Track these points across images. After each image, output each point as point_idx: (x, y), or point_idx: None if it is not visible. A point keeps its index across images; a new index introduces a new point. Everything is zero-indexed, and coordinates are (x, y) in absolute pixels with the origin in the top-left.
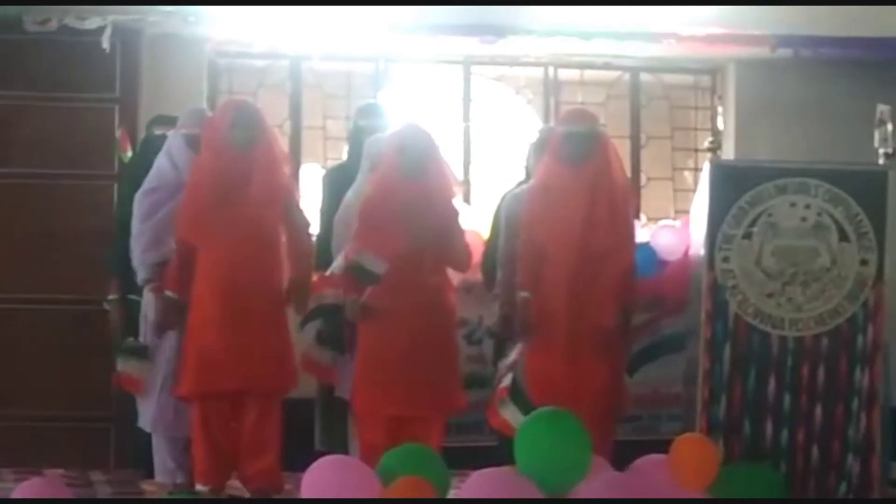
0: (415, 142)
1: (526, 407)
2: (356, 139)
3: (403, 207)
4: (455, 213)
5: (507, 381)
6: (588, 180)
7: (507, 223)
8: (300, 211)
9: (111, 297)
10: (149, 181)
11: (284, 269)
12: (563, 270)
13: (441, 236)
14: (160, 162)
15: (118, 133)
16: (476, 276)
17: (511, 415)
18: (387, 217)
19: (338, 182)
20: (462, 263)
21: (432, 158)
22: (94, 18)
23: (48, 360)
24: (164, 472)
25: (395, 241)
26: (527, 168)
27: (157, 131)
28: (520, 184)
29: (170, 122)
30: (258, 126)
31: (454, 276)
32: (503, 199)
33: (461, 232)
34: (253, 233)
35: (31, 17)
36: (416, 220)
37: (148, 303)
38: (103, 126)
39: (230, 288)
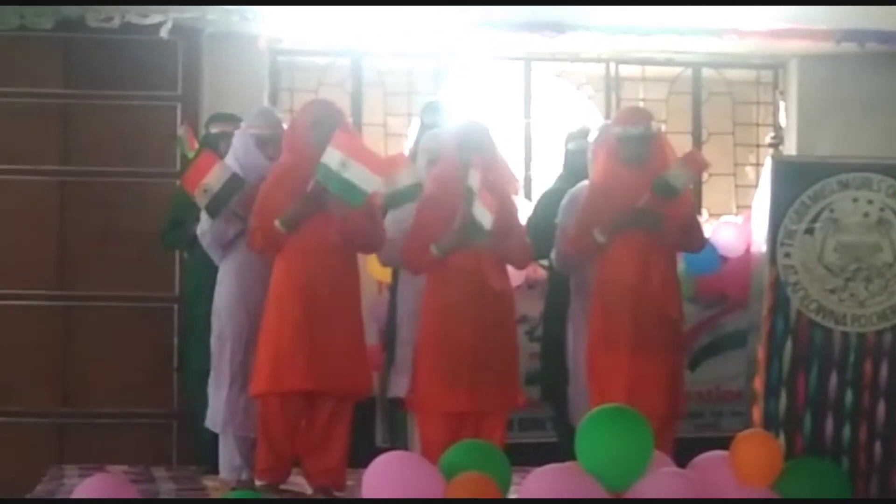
0: (473, 137)
1: None
2: (420, 136)
3: (460, 198)
4: (514, 209)
5: None
6: (646, 181)
7: (562, 222)
8: (377, 217)
9: None
10: None
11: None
12: (624, 270)
13: (500, 232)
14: (227, 162)
15: (181, 130)
16: (538, 273)
17: None
18: (446, 212)
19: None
20: (521, 260)
21: (490, 153)
22: (155, 16)
23: (112, 357)
24: (230, 468)
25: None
26: (567, 164)
27: (215, 129)
28: (559, 179)
29: (228, 119)
30: (339, 126)
31: (516, 274)
32: (543, 195)
33: (520, 228)
34: (327, 233)
35: (94, 15)
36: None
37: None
38: (165, 124)
39: (307, 290)
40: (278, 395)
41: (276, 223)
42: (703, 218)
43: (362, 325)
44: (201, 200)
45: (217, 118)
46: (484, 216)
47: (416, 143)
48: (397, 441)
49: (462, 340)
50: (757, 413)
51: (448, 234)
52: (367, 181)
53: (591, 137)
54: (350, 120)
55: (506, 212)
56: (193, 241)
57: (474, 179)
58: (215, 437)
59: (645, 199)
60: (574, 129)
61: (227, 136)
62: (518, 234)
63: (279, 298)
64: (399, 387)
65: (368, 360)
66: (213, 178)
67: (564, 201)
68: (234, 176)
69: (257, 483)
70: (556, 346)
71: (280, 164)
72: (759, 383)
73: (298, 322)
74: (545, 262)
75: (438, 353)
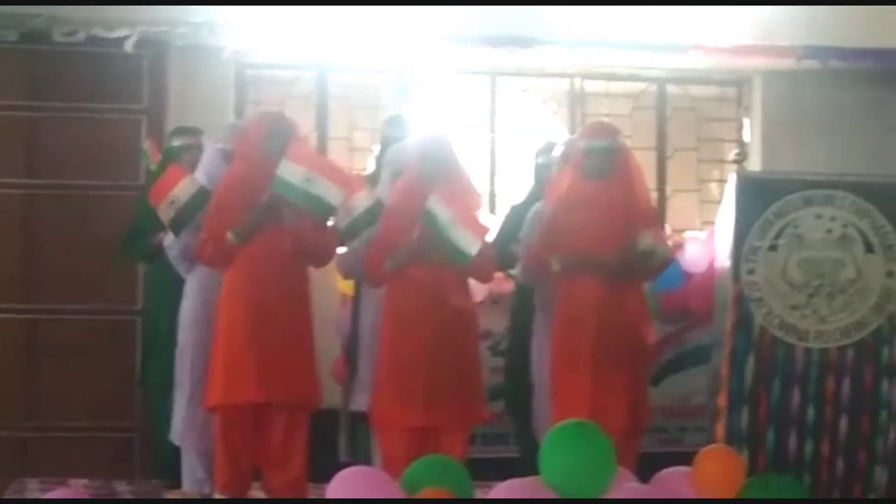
0: (436, 150)
1: None
2: (384, 150)
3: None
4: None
5: None
6: (610, 195)
7: (526, 237)
8: (328, 229)
9: None
10: None
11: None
12: (588, 286)
13: None
14: (196, 176)
15: (146, 144)
16: (501, 288)
17: None
18: (406, 224)
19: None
20: (485, 274)
21: (453, 167)
22: (121, 29)
23: (75, 370)
24: (192, 482)
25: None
26: (536, 178)
27: (177, 142)
28: (529, 193)
29: (190, 133)
30: (292, 138)
31: (479, 288)
32: (512, 209)
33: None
34: (279, 246)
35: (60, 28)
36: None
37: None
38: (131, 137)
39: (257, 301)
40: (231, 408)
41: (229, 235)
42: (667, 233)
43: (313, 337)
44: (167, 213)
45: (179, 132)
46: (470, 243)
47: (379, 156)
48: (360, 456)
49: (420, 355)
50: (720, 428)
51: (402, 248)
52: (332, 194)
53: (557, 152)
54: (301, 131)
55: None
56: (154, 253)
57: (438, 205)
58: (178, 450)
59: (614, 256)
60: (542, 143)
61: (188, 150)
62: (481, 248)
63: (229, 310)
64: (361, 401)
65: (317, 371)
66: (182, 190)
67: (529, 215)
68: (202, 189)
69: (217, 496)
70: (520, 360)
71: (231, 174)
72: (722, 398)
73: (248, 334)
74: (513, 273)
75: (397, 368)
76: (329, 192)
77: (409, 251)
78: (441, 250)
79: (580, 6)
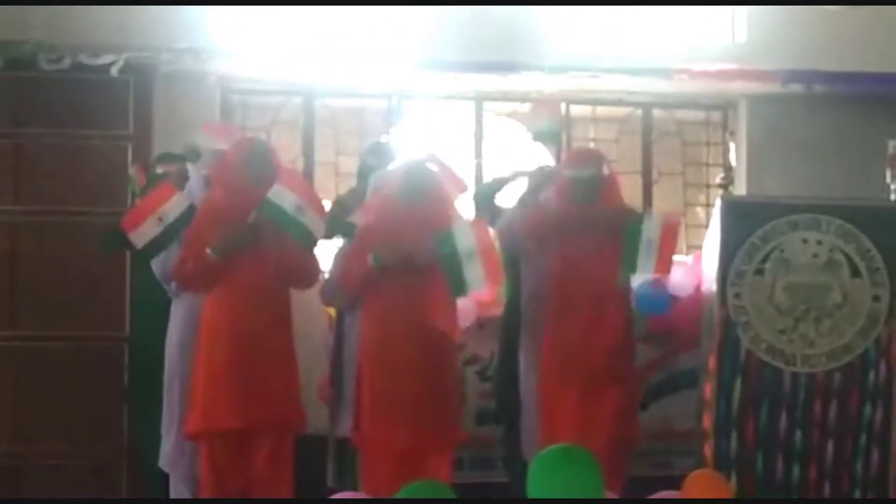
0: (418, 173)
1: None
2: (364, 176)
3: (400, 230)
4: None
5: None
6: (596, 220)
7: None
8: (312, 253)
9: None
10: None
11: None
12: (575, 307)
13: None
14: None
15: (132, 170)
16: (489, 312)
17: None
18: (382, 238)
19: (344, 213)
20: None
21: (434, 188)
22: (107, 56)
23: (63, 397)
24: None
25: (391, 271)
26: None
27: (160, 169)
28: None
29: (175, 159)
30: (271, 163)
31: (466, 313)
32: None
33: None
34: (261, 270)
35: (46, 55)
36: (412, 244)
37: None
38: (117, 163)
39: (237, 326)
40: (212, 435)
41: (208, 251)
42: None
43: (296, 360)
44: (152, 229)
45: (163, 158)
46: (479, 282)
47: (358, 182)
48: (348, 482)
49: (400, 377)
50: (709, 452)
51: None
52: (317, 227)
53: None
54: (285, 156)
55: None
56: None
57: (463, 233)
58: (166, 476)
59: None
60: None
61: (172, 176)
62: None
63: (210, 335)
64: (346, 425)
65: (301, 395)
66: (172, 206)
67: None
68: (192, 207)
69: None
70: (508, 381)
71: (209, 200)
72: (708, 422)
73: (229, 359)
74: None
75: (379, 390)
76: (315, 225)
77: (394, 251)
78: (444, 271)
79: (566, 30)
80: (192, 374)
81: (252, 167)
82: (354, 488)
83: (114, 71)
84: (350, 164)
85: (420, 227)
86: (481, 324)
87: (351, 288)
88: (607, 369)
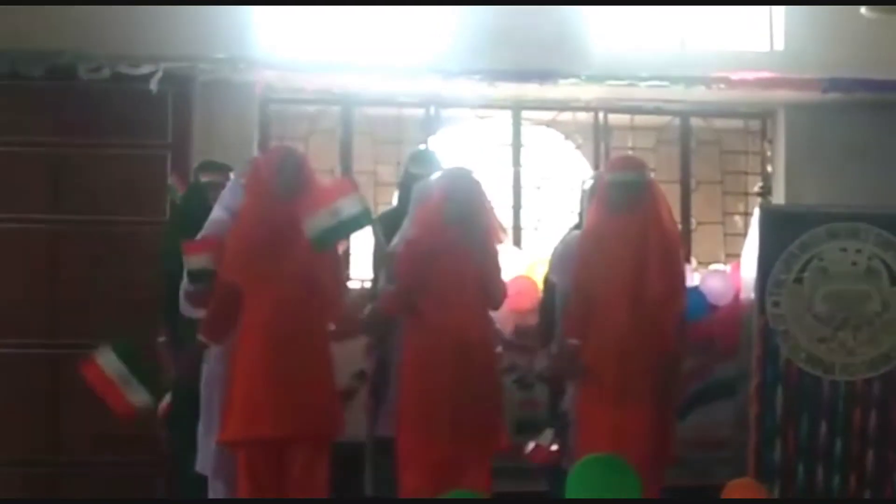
0: (460, 187)
1: None
2: (407, 185)
3: (445, 250)
4: (495, 254)
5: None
6: (638, 228)
7: (559, 270)
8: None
9: (161, 339)
10: (205, 232)
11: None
12: (613, 317)
13: (481, 278)
14: (216, 213)
15: (171, 179)
16: (527, 321)
17: None
18: (428, 258)
19: (388, 227)
20: (495, 301)
21: (477, 203)
22: (146, 66)
23: (99, 405)
24: None
25: (436, 282)
26: (580, 214)
27: (204, 178)
28: (572, 229)
29: (217, 168)
30: (304, 172)
31: (508, 323)
32: (556, 247)
33: (498, 271)
34: (298, 280)
35: (85, 65)
36: (456, 264)
37: None
38: (156, 173)
39: (276, 334)
40: (250, 443)
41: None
42: (692, 267)
43: (332, 366)
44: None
45: (206, 167)
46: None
47: (402, 192)
48: (386, 491)
49: (442, 385)
50: (751, 462)
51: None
52: (354, 206)
53: (585, 186)
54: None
55: (487, 259)
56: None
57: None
58: (204, 481)
59: None
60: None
61: (216, 186)
62: (496, 277)
63: (246, 342)
64: (387, 425)
65: (339, 403)
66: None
67: (559, 250)
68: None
69: None
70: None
71: (245, 210)
72: (751, 432)
73: (266, 367)
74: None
75: (420, 402)
76: (352, 208)
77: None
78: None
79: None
80: (229, 382)
81: (283, 176)
82: (394, 497)
83: (153, 81)
84: (388, 173)
85: (463, 246)
86: (520, 333)
87: (393, 310)
88: (645, 381)
